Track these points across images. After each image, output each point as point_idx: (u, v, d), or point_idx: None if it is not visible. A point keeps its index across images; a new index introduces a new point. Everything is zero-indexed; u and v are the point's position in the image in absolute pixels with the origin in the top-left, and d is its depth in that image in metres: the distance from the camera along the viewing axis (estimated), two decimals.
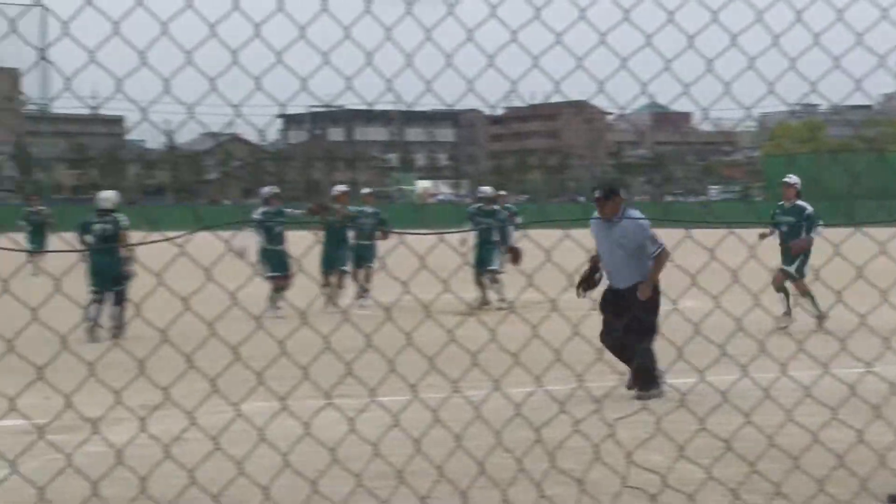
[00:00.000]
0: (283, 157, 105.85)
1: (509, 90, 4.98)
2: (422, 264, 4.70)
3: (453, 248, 5.60)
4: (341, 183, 20.07)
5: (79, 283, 4.06)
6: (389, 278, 4.80)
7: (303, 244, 8.17)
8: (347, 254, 17.74)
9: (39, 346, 4.39)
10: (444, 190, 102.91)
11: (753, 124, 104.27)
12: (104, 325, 13.79)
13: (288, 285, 16.21)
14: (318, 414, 5.46)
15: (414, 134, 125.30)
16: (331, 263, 17.47)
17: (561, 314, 6.12)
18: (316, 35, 4.18)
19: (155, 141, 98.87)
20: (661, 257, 9.68)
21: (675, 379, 6.03)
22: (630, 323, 8.81)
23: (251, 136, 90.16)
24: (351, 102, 4.96)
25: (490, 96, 5.11)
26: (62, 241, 4.42)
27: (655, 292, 9.71)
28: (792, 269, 14.34)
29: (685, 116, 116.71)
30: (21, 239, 25.72)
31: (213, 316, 4.88)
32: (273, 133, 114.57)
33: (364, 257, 17.92)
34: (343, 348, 5.43)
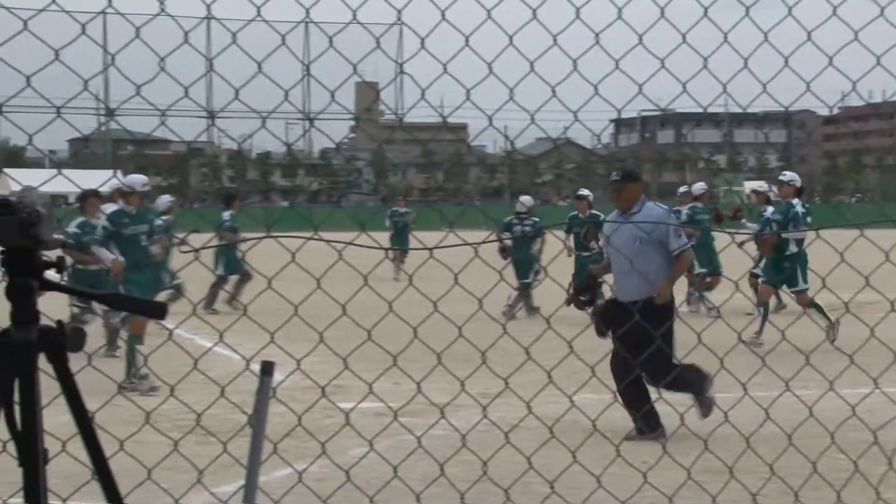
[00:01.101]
0: (614, 159, 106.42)
1: (849, 90, 4.94)
2: (756, 264, 4.76)
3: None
4: (697, 182, 20.00)
5: (427, 282, 4.39)
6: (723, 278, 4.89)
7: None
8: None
9: (393, 336, 4.80)
10: (775, 190, 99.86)
11: None
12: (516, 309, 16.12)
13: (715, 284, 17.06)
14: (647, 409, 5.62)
15: (743, 135, 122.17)
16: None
17: None
18: (652, 41, 4.36)
19: (495, 146, 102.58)
20: (684, 257, 8.23)
21: None
22: (642, 345, 6.88)
23: (584, 141, 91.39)
24: (683, 105, 5.09)
25: (826, 96, 5.06)
26: (418, 241, 4.77)
27: (669, 307, 7.98)
28: (778, 278, 13.27)
29: None
30: (383, 239, 27.12)
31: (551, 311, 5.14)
32: (605, 137, 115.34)
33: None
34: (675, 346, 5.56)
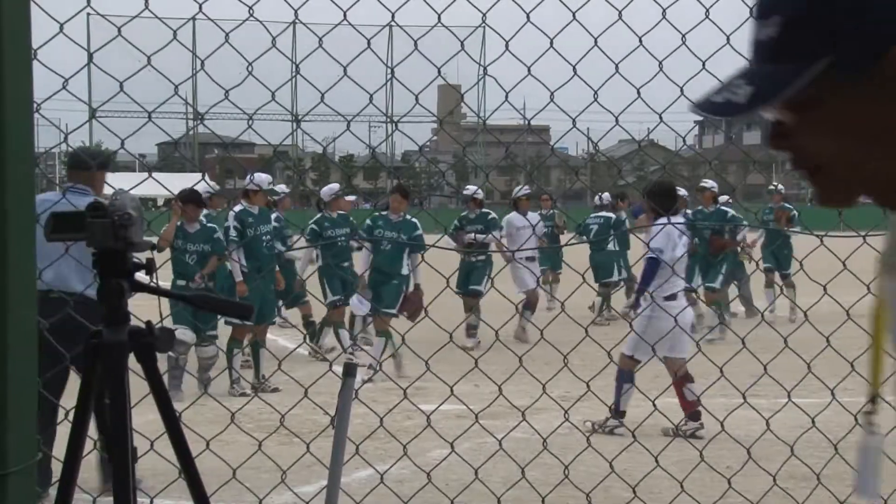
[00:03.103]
0: (697, 161, 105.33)
1: None
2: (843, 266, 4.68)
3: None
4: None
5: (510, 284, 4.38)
6: (809, 280, 4.82)
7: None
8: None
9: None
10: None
11: None
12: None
13: None
14: (732, 413, 5.55)
15: None
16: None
17: None
18: (740, 41, 4.31)
19: (577, 148, 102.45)
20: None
21: None
22: None
23: (667, 142, 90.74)
24: None
25: None
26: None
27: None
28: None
29: None
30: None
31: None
32: (689, 138, 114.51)
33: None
34: (756, 349, 5.48)
